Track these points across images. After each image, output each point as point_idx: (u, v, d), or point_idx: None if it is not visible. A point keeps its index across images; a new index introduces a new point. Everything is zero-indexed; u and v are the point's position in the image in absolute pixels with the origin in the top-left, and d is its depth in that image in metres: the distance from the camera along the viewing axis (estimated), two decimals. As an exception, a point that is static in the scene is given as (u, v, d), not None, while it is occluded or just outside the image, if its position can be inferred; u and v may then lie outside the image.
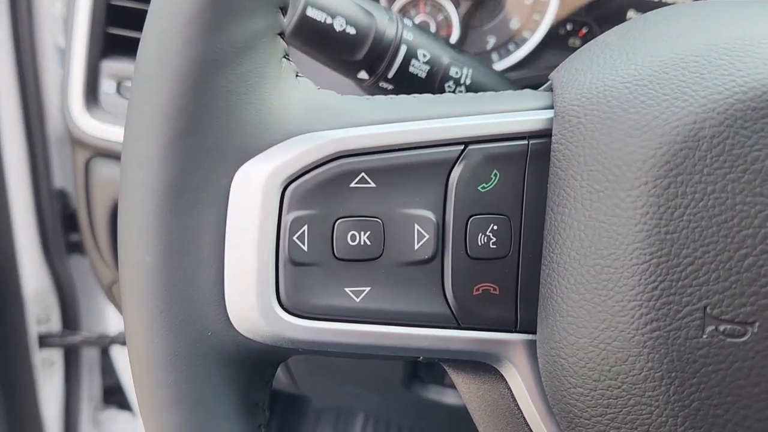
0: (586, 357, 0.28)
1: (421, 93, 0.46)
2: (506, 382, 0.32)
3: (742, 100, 0.26)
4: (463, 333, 0.31)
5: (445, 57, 0.45)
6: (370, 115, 0.31)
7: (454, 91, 0.45)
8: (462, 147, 0.30)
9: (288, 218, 0.29)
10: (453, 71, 0.45)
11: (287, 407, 1.23)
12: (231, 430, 0.30)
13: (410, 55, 0.44)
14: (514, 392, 0.32)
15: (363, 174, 0.30)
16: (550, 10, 0.64)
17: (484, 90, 0.47)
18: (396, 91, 0.45)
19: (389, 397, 0.83)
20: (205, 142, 0.28)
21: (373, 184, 0.30)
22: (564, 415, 0.30)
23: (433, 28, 0.65)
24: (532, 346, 0.31)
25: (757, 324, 0.25)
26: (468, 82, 0.46)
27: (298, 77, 0.32)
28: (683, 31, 0.30)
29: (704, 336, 0.26)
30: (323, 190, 0.29)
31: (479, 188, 0.30)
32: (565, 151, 0.29)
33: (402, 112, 0.31)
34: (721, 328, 0.25)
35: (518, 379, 0.31)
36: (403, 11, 0.65)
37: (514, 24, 0.67)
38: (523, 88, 0.38)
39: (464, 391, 0.34)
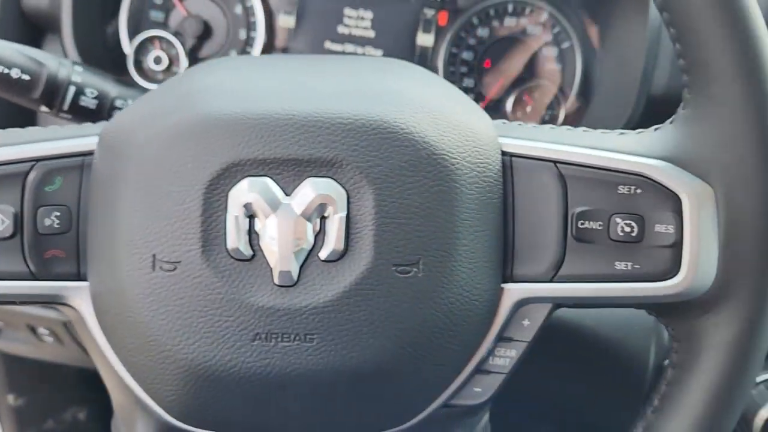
0: (106, 290, 0.44)
1: (95, 120, 0.61)
2: (81, 314, 0.48)
3: (176, 123, 0.43)
4: (41, 283, 0.46)
5: (113, 92, 0.61)
6: None
7: (124, 118, 0.61)
8: (34, 162, 0.46)
9: None
10: (119, 102, 0.61)
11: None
12: None
13: (79, 92, 0.59)
14: (86, 321, 0.47)
15: None
16: (257, 44, 0.81)
17: None
18: (75, 120, 0.60)
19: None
20: None
21: None
22: (105, 330, 0.46)
23: (166, 61, 0.81)
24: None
25: (180, 263, 0.41)
26: (134, 110, 0.61)
27: None
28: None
29: (154, 271, 0.42)
30: None
31: (46, 189, 0.45)
32: (96, 163, 0.45)
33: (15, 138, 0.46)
34: (162, 266, 0.42)
35: (86, 311, 0.47)
36: (143, 45, 0.81)
37: (233, 56, 0.83)
38: None
39: (74, 322, 0.49)
